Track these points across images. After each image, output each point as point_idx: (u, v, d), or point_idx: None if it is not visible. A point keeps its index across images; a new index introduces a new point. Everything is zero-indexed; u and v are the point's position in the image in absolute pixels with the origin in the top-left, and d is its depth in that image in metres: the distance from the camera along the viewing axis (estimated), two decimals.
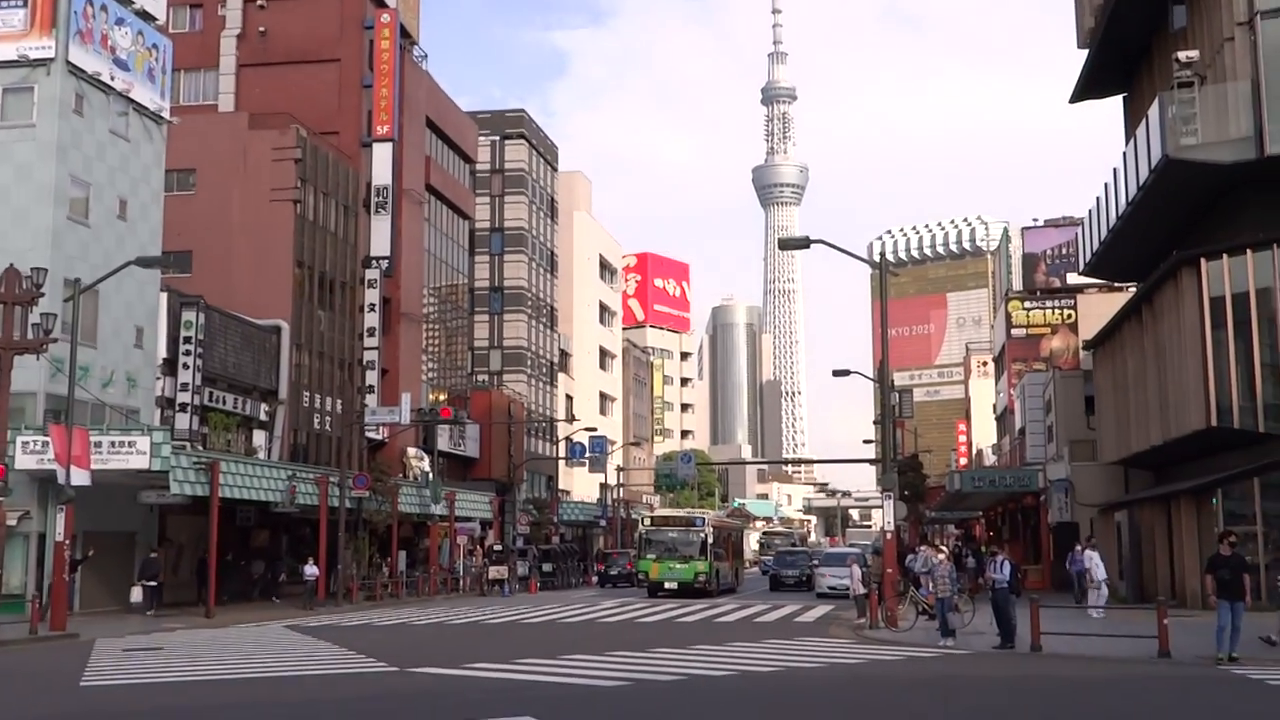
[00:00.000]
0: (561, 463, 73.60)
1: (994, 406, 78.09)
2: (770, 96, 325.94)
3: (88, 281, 29.86)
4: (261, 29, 51.74)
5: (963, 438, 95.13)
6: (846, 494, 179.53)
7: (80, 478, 27.47)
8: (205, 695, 15.92)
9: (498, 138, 75.84)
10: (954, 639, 22.38)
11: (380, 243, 51.59)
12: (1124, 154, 33.26)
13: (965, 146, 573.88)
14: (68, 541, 27.42)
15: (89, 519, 30.40)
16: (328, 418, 47.51)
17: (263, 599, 38.26)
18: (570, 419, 74.02)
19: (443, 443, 54.52)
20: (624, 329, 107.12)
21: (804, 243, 28.44)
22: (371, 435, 49.71)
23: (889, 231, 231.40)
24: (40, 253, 30.79)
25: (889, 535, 28.70)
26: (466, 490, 54.16)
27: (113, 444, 30.03)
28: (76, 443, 27.23)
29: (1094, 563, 29.56)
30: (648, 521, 45.63)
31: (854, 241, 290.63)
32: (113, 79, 34.44)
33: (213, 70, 51.71)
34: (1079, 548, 33.47)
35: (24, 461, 29.39)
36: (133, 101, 35.47)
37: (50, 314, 27.26)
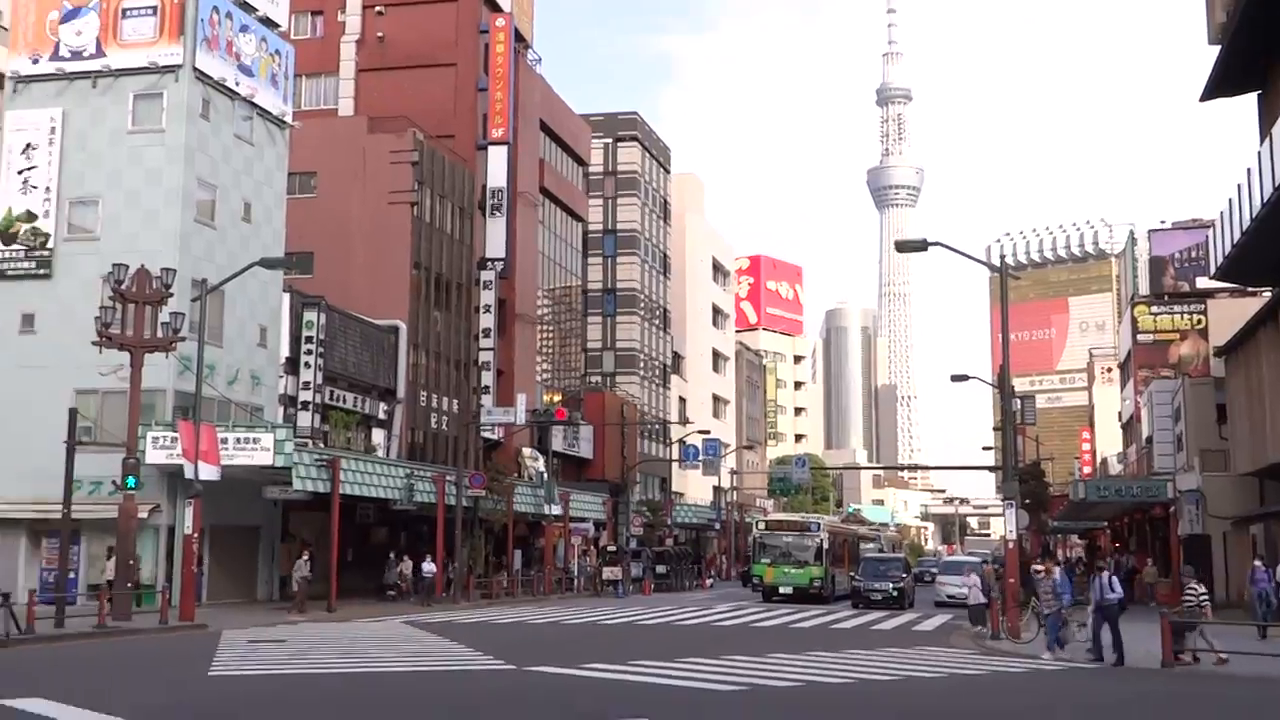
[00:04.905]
0: (675, 465, 73.46)
1: (1119, 414, 75.87)
2: (885, 97, 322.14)
3: (214, 282, 30.57)
4: (380, 34, 52.63)
5: (1086, 445, 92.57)
6: (964, 501, 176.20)
7: (209, 473, 28.08)
8: (327, 687, 16.09)
9: (611, 140, 76.01)
10: (1059, 652, 21.65)
11: (495, 245, 52.06)
12: (1258, 153, 31.79)
13: (1088, 147, 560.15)
14: (195, 535, 28.06)
15: (215, 513, 31.11)
16: (444, 417, 48.07)
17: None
18: (683, 421, 73.86)
19: (557, 443, 54.79)
20: (737, 332, 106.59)
21: (921, 245, 27.84)
22: (487, 435, 50.16)
23: (1008, 234, 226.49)
24: (169, 254, 31.66)
25: (1010, 544, 27.90)
26: (580, 491, 54.34)
27: (238, 440, 30.74)
28: (204, 439, 27.86)
29: None
30: (762, 526, 45.17)
31: (972, 244, 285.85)
32: (237, 84, 35.28)
33: (333, 75, 52.75)
34: (1258, 564, 29.52)
35: (154, 456, 30.26)
36: (256, 106, 36.30)
37: (179, 313, 27.97)
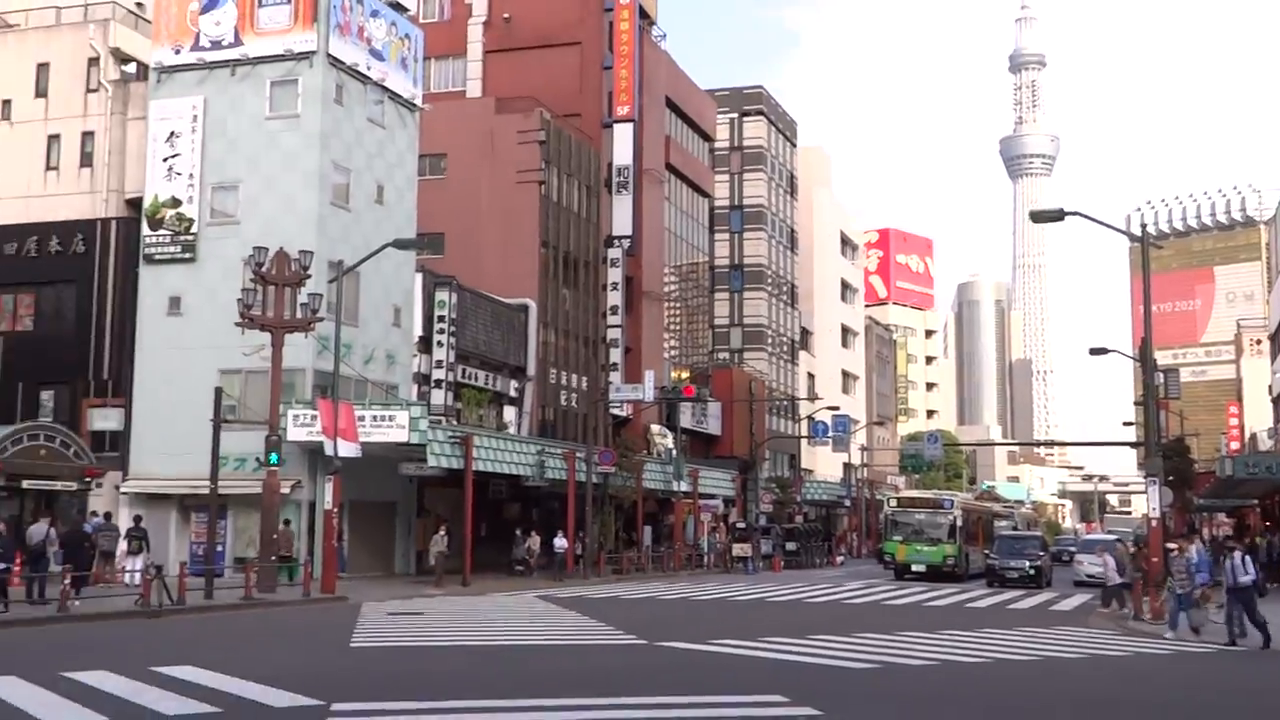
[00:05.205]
0: (804, 442, 72.93)
1: (1269, 387, 72.80)
2: (1018, 63, 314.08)
3: (349, 263, 31.26)
4: (506, 15, 53.08)
5: (1234, 420, 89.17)
6: (1104, 478, 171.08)
7: (349, 450, 28.78)
8: (464, 659, 16.36)
9: (736, 115, 75.49)
10: (1182, 633, 20.87)
11: (622, 222, 52.23)
12: None
13: (1233, 109, 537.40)
14: (335, 510, 28.79)
15: (354, 489, 31.88)
16: (574, 394, 48.48)
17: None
18: (812, 397, 73.27)
19: (685, 420, 54.83)
20: (866, 306, 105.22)
21: (1057, 215, 27.07)
22: (616, 412, 50.47)
23: (1149, 202, 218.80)
24: (306, 236, 32.44)
25: (1154, 523, 27.01)
26: (709, 468, 54.34)
27: (374, 418, 31.43)
28: (343, 417, 28.54)
29: None
30: (894, 503, 44.59)
31: (1111, 213, 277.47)
32: (369, 69, 35.95)
33: (460, 57, 53.44)
34: None
35: (295, 434, 31.14)
36: (387, 90, 36.94)
37: (316, 294, 28.65)
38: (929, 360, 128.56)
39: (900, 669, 15.73)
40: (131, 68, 39.08)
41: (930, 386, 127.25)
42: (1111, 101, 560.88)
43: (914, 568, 40.35)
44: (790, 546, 52.11)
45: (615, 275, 51.38)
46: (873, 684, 14.47)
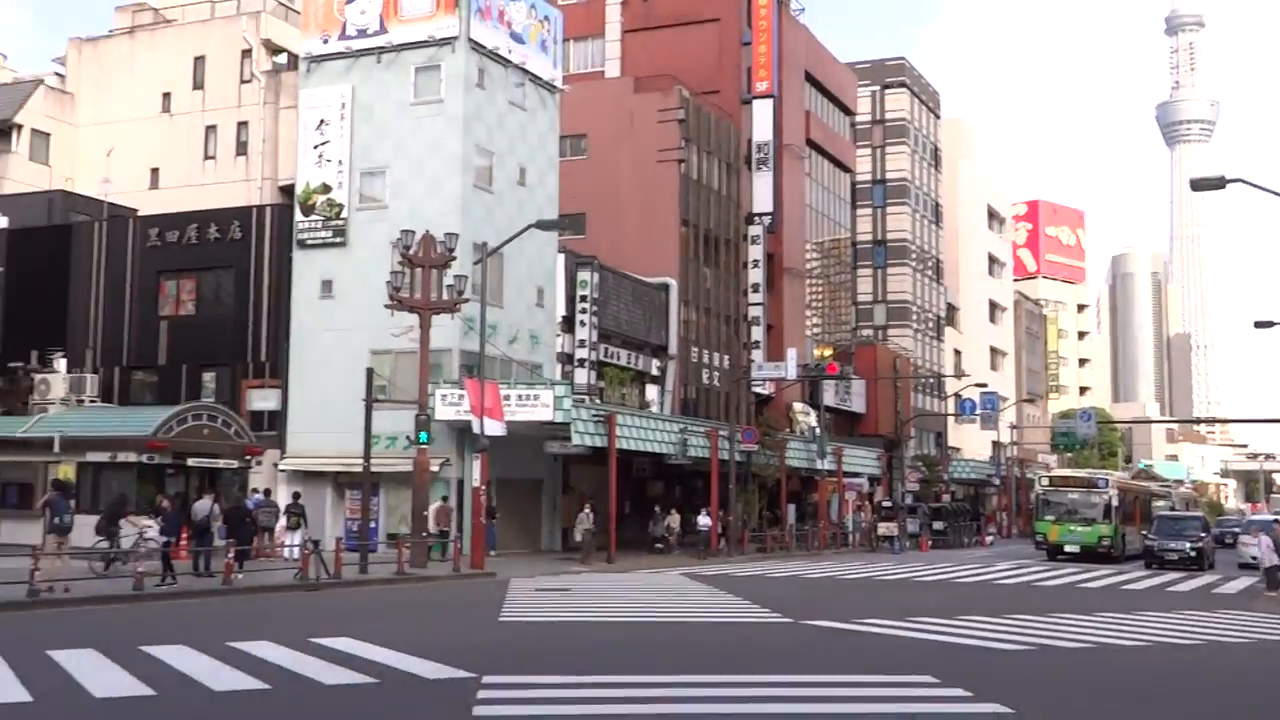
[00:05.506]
0: (950, 419, 71.62)
1: None
2: (1175, 25, 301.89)
3: (493, 245, 31.68)
4: None
5: None
6: (1270, 456, 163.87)
7: (495, 428, 29.24)
8: (611, 634, 16.50)
9: (878, 88, 74.24)
10: None
11: (762, 199, 51.85)
12: None
13: None
14: (484, 487, 29.30)
15: (500, 467, 32.39)
16: (715, 373, 48.41)
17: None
18: (959, 374, 71.81)
19: (828, 398, 54.30)
20: (1014, 280, 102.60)
21: (1219, 183, 25.84)
22: (758, 390, 50.24)
23: None
24: (451, 219, 33.00)
25: None
26: (853, 446, 53.72)
27: (520, 397, 31.89)
28: (489, 396, 29.01)
29: None
30: (1045, 481, 43.47)
31: (1276, 179, 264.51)
32: (510, 52, 36.31)
33: (599, 38, 53.59)
34: None
35: (443, 413, 31.78)
36: (528, 73, 37.26)
37: (462, 276, 29.16)
38: (1081, 335, 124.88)
39: (1053, 651, 15.32)
40: (282, 58, 40.35)
41: (1083, 362, 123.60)
42: (1275, 62, 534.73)
43: (1067, 548, 39.31)
44: (937, 526, 51.24)
45: (756, 252, 51.10)
46: (1024, 665, 14.13)
